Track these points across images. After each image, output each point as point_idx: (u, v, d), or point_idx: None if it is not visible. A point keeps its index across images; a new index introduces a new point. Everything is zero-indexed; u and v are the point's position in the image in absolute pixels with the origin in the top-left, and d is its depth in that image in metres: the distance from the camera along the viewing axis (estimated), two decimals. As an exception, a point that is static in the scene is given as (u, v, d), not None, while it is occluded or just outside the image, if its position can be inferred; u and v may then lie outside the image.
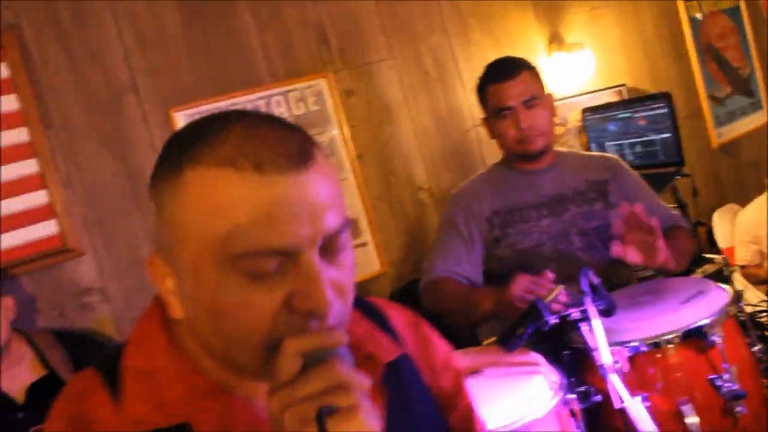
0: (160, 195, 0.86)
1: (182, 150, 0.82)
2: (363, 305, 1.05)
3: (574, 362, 1.97)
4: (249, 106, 3.25)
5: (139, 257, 3.02)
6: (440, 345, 1.13)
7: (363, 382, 0.77)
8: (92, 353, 2.63)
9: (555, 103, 2.68)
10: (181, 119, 3.09)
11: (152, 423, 0.87)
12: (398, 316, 1.11)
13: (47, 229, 2.89)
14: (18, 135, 2.86)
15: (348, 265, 0.84)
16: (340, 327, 0.82)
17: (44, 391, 2.50)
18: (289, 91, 3.36)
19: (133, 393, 0.89)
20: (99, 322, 2.95)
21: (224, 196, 0.78)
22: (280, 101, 3.34)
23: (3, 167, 2.82)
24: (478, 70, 2.65)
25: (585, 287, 1.72)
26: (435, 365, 1.09)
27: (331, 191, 0.82)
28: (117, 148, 3.03)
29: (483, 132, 2.81)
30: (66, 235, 2.90)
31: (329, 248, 0.81)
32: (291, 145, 0.80)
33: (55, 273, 2.91)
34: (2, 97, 2.83)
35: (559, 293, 1.86)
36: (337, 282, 0.81)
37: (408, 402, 1.01)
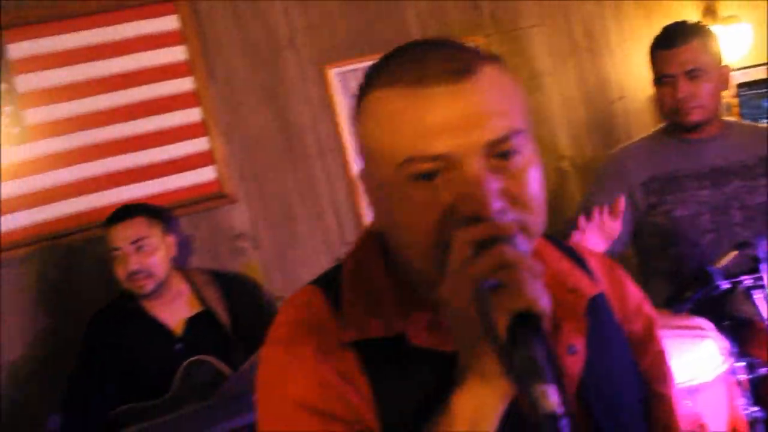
0: (355, 123, 0.95)
1: (366, 79, 0.91)
2: (563, 246, 1.08)
3: (736, 332, 1.93)
4: (400, 67, 3.30)
5: (288, 209, 3.14)
6: (633, 290, 1.14)
7: (533, 263, 0.79)
8: (244, 294, 2.77)
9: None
10: (335, 76, 3.17)
11: (372, 332, 0.94)
12: (595, 259, 1.13)
13: (206, 175, 3.04)
14: (185, 84, 3.02)
15: (525, 175, 0.85)
16: (525, 236, 0.84)
17: (200, 325, 2.65)
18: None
19: (352, 305, 0.97)
20: (248, 267, 3.08)
21: (391, 111, 0.85)
22: (430, 63, 3.36)
23: (169, 114, 2.99)
24: (628, 41, 2.60)
25: (762, 254, 1.67)
26: (628, 309, 1.11)
27: (498, 102, 0.85)
28: (274, 102, 3.15)
29: (630, 104, 2.75)
30: (223, 182, 3.04)
31: (497, 159, 0.84)
32: (455, 60, 0.85)
33: (211, 217, 3.06)
34: (172, 48, 2.99)
35: (730, 259, 1.82)
36: (508, 191, 0.84)
37: (606, 337, 1.03)
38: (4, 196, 2.85)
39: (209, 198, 3.04)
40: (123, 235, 2.53)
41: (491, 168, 0.83)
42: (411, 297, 0.96)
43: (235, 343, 2.62)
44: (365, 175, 0.95)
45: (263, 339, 2.47)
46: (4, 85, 2.85)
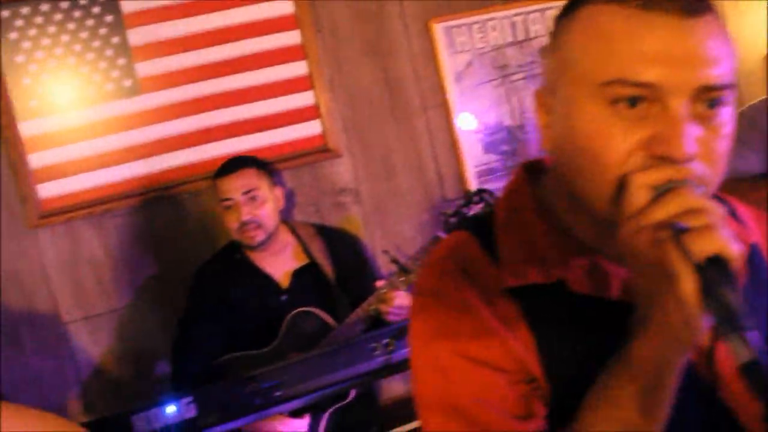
0: (555, 35, 0.91)
1: None
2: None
3: None
4: (506, 22, 3.24)
5: (390, 164, 3.14)
6: None
7: (717, 208, 0.76)
8: (347, 248, 2.79)
9: None
10: (439, 31, 3.14)
11: (529, 278, 0.92)
12: (745, 209, 1.08)
13: (311, 128, 3.06)
14: (291, 38, 3.03)
15: (722, 131, 0.82)
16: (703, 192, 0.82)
17: (305, 278, 2.68)
18: (546, 8, 3.30)
19: (508, 250, 0.95)
20: (349, 221, 3.10)
21: (609, 28, 0.82)
22: (536, 18, 3.30)
23: (275, 67, 3.01)
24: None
25: None
26: None
27: (718, 50, 0.82)
28: (378, 56, 3.13)
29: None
30: (327, 136, 3.06)
31: (703, 106, 0.81)
32: None
33: (314, 171, 3.08)
34: (279, 2, 3.00)
35: None
36: (704, 142, 0.81)
37: (762, 285, 0.99)
38: (115, 147, 2.93)
39: (313, 152, 3.06)
40: (235, 185, 2.57)
41: (695, 114, 0.80)
42: (568, 242, 0.94)
43: (339, 295, 2.65)
44: (547, 91, 0.91)
45: (365, 292, 2.49)
46: (116, 39, 2.91)
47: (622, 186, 0.80)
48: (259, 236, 2.58)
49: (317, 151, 3.06)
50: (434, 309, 0.95)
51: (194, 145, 3.00)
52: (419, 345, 0.97)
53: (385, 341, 1.87)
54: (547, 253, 0.93)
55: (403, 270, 2.46)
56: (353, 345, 1.88)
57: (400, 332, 1.88)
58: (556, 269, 0.92)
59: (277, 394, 1.77)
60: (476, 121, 3.24)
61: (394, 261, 2.49)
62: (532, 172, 1.02)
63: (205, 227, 3.02)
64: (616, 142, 0.81)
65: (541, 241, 0.94)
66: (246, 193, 2.56)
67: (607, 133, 0.82)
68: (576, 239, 0.93)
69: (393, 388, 3.15)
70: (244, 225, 2.56)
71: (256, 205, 2.57)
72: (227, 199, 2.57)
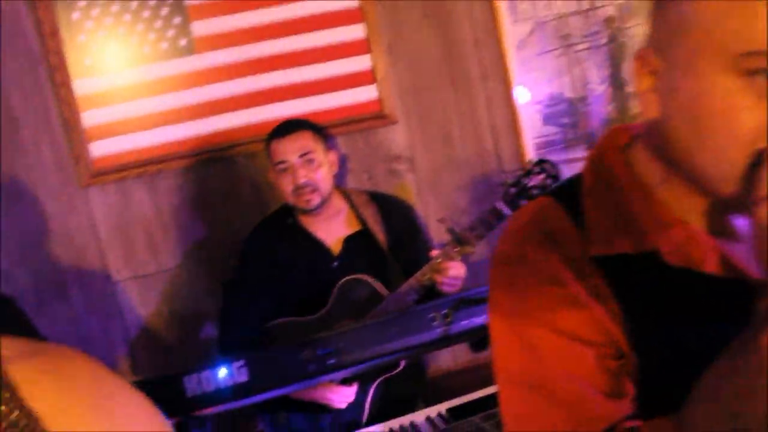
0: None
1: None
2: None
3: None
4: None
5: (447, 133, 3.07)
6: None
7: None
8: (401, 216, 2.73)
9: None
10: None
11: (618, 248, 0.87)
12: None
13: (366, 93, 2.99)
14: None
15: None
16: None
17: (357, 244, 2.63)
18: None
19: (596, 218, 0.90)
20: (402, 189, 3.04)
21: None
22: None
23: (332, 30, 2.95)
24: None
25: None
26: None
27: None
28: (438, 21, 3.05)
29: None
30: (383, 101, 2.99)
31: None
32: None
33: (369, 137, 3.02)
34: (337, -37, 2.93)
35: None
36: None
37: None
38: (168, 107, 2.90)
39: (368, 118, 3.00)
40: (291, 147, 2.51)
41: None
42: (661, 212, 0.87)
43: (391, 264, 2.59)
44: (655, 53, 0.84)
45: (419, 261, 2.43)
46: (172, -3, 2.88)
47: (756, 163, 0.73)
48: (315, 200, 2.53)
49: (372, 117, 3.00)
50: (517, 278, 0.91)
51: (248, 107, 2.95)
52: (501, 316, 0.92)
53: (443, 312, 1.81)
54: (639, 223, 0.87)
55: (459, 240, 2.40)
56: (410, 315, 1.82)
57: (459, 303, 1.81)
58: (648, 239, 0.86)
59: (331, 361, 1.72)
60: (536, 92, 3.15)
61: (450, 230, 2.42)
62: (621, 138, 0.96)
63: (257, 190, 2.98)
64: (752, 116, 0.74)
65: (632, 209, 0.88)
66: (302, 155, 2.51)
67: (738, 106, 0.75)
68: (669, 210, 0.87)
69: (440, 359, 3.11)
70: (299, 188, 2.51)
71: (312, 168, 2.51)
72: (282, 162, 2.52)
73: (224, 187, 2.97)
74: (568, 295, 0.86)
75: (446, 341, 1.82)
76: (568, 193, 0.94)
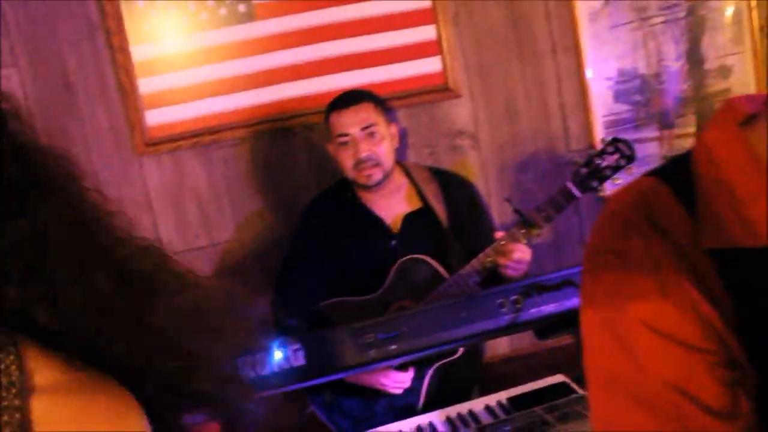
0: None
1: None
2: None
3: None
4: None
5: (513, 108, 2.94)
6: None
7: None
8: (463, 194, 2.61)
9: None
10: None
11: (738, 241, 0.74)
12: None
13: (431, 65, 2.87)
14: (415, -32, 2.84)
15: None
16: None
17: (417, 222, 2.52)
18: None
19: (710, 204, 0.77)
20: (464, 165, 2.93)
21: None
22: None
23: (397, -1, 2.83)
24: None
25: None
26: None
27: None
28: (507, -9, 2.91)
29: None
30: (448, 74, 2.87)
31: None
32: None
33: (432, 111, 2.91)
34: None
35: None
36: None
37: None
38: (226, 75, 2.82)
39: (432, 90, 2.87)
40: (353, 119, 2.40)
41: None
42: None
43: (452, 244, 2.48)
44: None
45: (481, 242, 2.31)
46: (233, -39, 2.78)
47: None
48: (377, 175, 2.42)
49: (436, 90, 2.88)
50: (616, 269, 0.79)
51: (307, 76, 2.85)
52: (595, 311, 0.81)
53: (513, 298, 1.70)
54: (763, 214, 0.74)
55: (525, 222, 2.28)
56: (477, 300, 1.71)
57: (529, 289, 1.70)
58: None
59: (393, 347, 1.62)
60: (608, 68, 2.99)
61: (517, 211, 2.30)
62: (740, 112, 0.82)
63: (314, 164, 2.89)
64: None
65: (756, 197, 0.75)
66: (364, 128, 2.40)
67: None
68: None
69: (497, 345, 3.01)
70: (361, 162, 2.40)
71: (375, 142, 2.40)
72: (343, 135, 2.41)
73: (280, 160, 2.89)
74: (675, 291, 0.75)
75: (513, 328, 1.71)
76: (675, 173, 0.82)
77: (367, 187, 2.46)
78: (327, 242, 2.51)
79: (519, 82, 2.94)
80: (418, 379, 2.37)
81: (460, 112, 2.92)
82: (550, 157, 2.96)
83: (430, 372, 2.37)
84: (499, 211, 2.86)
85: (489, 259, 2.29)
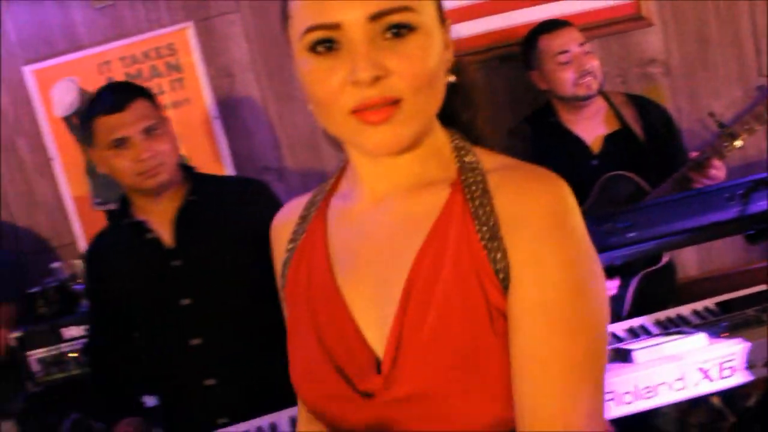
0: None
1: None
2: None
3: None
4: None
5: (704, 36, 3.00)
6: None
7: None
8: (659, 116, 2.73)
9: None
10: None
11: None
12: None
13: (624, -5, 2.97)
14: None
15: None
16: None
17: (617, 143, 2.66)
18: None
19: None
20: (655, 93, 3.01)
21: None
22: None
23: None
24: None
25: None
26: None
27: None
28: None
29: None
30: (640, 3, 2.95)
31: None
32: None
33: (624, 40, 3.01)
34: None
35: None
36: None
37: None
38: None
39: (624, 20, 2.97)
40: (567, 39, 2.57)
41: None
42: None
43: (650, 163, 2.61)
44: None
45: (676, 163, 2.42)
46: None
47: None
48: (594, 87, 2.58)
49: (628, 20, 2.97)
50: None
51: (500, 11, 3.00)
52: None
53: (740, 192, 1.83)
54: None
55: (729, 134, 2.38)
56: (706, 194, 1.85)
57: (756, 184, 1.82)
58: None
59: (631, 234, 1.79)
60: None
61: (720, 125, 2.41)
62: None
63: (511, 95, 3.04)
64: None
65: None
66: (581, 44, 2.58)
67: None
68: None
69: (687, 264, 3.09)
70: (585, 74, 2.56)
71: (590, 58, 2.58)
72: (564, 52, 2.57)
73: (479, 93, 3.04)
74: None
75: (740, 222, 1.83)
76: None
77: (583, 98, 2.61)
78: (532, 161, 2.67)
79: (710, 9, 2.98)
80: (623, 288, 2.51)
81: (652, 41, 3.00)
82: (741, 84, 3.01)
83: (635, 281, 2.52)
84: (689, 136, 2.95)
85: (685, 175, 2.41)
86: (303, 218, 1.06)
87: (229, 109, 3.15)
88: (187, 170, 2.20)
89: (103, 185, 3.28)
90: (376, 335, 0.92)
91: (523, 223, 0.88)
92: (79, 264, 3.14)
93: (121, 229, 2.16)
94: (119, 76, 3.17)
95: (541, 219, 0.88)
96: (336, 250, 1.00)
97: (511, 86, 3.01)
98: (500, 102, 3.05)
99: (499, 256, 0.88)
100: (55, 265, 3.07)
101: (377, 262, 0.95)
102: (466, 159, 0.97)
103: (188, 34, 3.12)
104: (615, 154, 2.64)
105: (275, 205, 1.12)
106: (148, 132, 2.03)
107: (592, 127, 2.68)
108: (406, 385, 0.88)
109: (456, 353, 0.87)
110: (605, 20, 2.97)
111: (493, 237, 0.89)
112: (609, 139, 2.66)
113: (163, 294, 2.09)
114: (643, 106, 2.72)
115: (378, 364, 0.91)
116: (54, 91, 3.26)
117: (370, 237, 0.97)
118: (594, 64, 2.58)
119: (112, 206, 3.27)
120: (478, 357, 0.87)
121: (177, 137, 2.17)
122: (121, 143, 2.01)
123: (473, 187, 0.94)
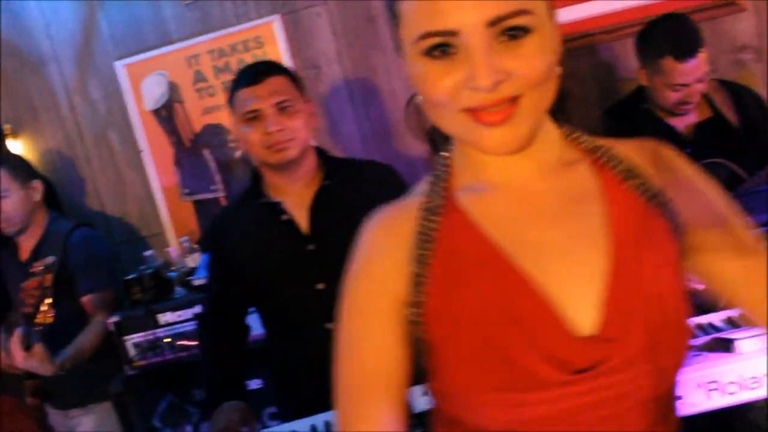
0: None
1: None
2: None
3: None
4: None
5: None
6: None
7: None
8: (753, 102, 2.68)
9: None
10: None
11: None
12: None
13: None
14: None
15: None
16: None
17: (709, 130, 2.62)
18: None
19: None
20: (748, 80, 2.95)
21: None
22: None
23: None
24: None
25: None
26: None
27: None
28: None
29: None
30: (738, -12, 2.90)
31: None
32: None
33: (715, 26, 2.95)
34: None
35: None
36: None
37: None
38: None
39: (715, 6, 2.92)
40: (692, 68, 2.50)
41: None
42: None
43: (745, 149, 2.56)
44: None
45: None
46: None
47: None
48: (689, 110, 2.61)
49: (720, 5, 2.92)
50: None
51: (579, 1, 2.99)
52: None
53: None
54: None
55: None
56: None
57: None
58: None
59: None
60: None
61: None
62: None
63: (596, 84, 3.02)
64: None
65: None
66: (699, 81, 2.55)
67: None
68: None
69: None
70: (686, 104, 2.58)
71: (702, 86, 2.58)
72: (684, 85, 2.54)
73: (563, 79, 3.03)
74: None
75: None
76: None
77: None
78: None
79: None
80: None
81: (744, 27, 2.95)
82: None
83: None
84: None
85: None
86: (423, 234, 1.00)
87: (315, 100, 3.19)
88: (321, 154, 2.19)
89: (191, 176, 3.37)
90: (579, 307, 0.91)
91: (672, 176, 1.00)
92: (169, 252, 3.23)
93: (252, 206, 2.15)
94: (207, 70, 3.26)
95: (681, 166, 1.04)
96: (506, 242, 0.95)
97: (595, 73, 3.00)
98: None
99: (667, 209, 0.95)
100: (148, 253, 3.16)
101: (560, 242, 0.94)
102: (585, 140, 1.00)
103: (275, 27, 3.18)
104: (708, 142, 2.60)
105: (405, 190, 1.12)
106: (281, 107, 2.03)
107: (684, 115, 2.65)
108: (628, 349, 0.89)
109: (662, 311, 0.90)
110: (696, 6, 2.91)
111: (654, 195, 0.96)
112: (701, 127, 2.63)
113: (299, 277, 2.08)
114: (736, 92, 2.67)
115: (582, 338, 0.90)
116: (144, 84, 3.36)
117: (541, 217, 0.96)
118: (700, 91, 2.56)
119: (199, 197, 3.36)
120: (679, 314, 0.93)
121: (316, 119, 2.18)
122: (253, 116, 2.03)
123: (614, 161, 0.97)
